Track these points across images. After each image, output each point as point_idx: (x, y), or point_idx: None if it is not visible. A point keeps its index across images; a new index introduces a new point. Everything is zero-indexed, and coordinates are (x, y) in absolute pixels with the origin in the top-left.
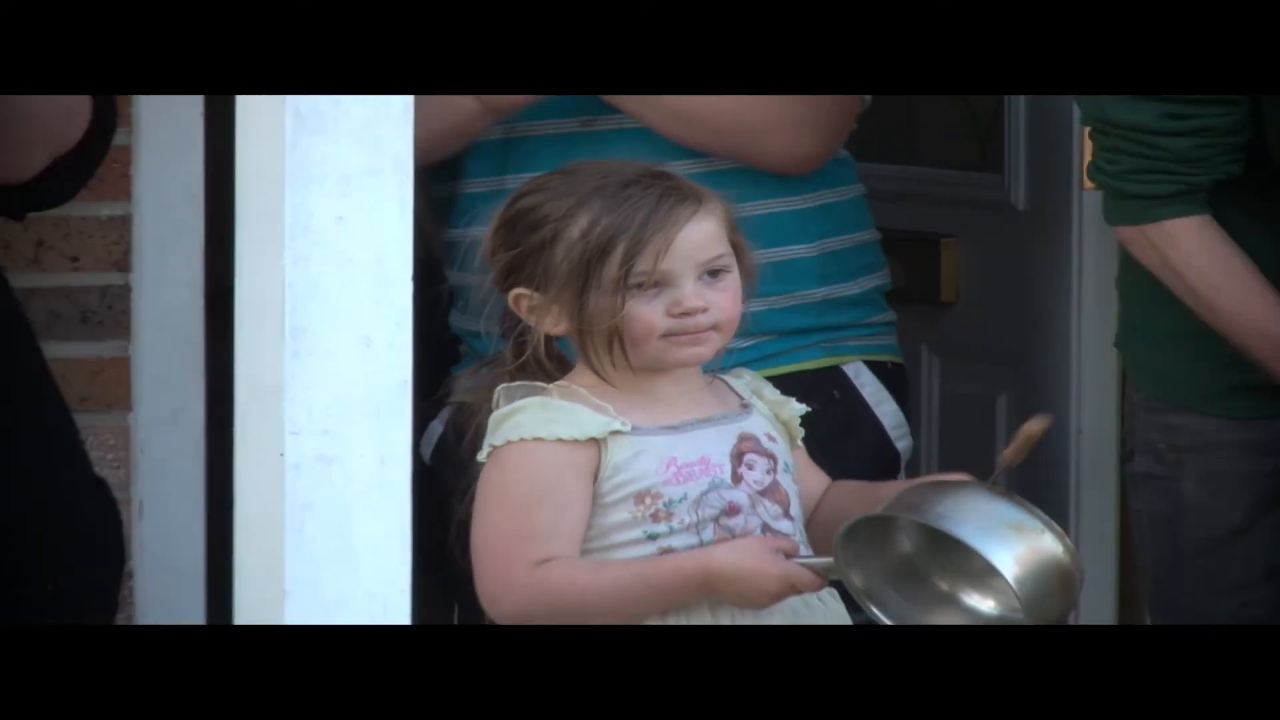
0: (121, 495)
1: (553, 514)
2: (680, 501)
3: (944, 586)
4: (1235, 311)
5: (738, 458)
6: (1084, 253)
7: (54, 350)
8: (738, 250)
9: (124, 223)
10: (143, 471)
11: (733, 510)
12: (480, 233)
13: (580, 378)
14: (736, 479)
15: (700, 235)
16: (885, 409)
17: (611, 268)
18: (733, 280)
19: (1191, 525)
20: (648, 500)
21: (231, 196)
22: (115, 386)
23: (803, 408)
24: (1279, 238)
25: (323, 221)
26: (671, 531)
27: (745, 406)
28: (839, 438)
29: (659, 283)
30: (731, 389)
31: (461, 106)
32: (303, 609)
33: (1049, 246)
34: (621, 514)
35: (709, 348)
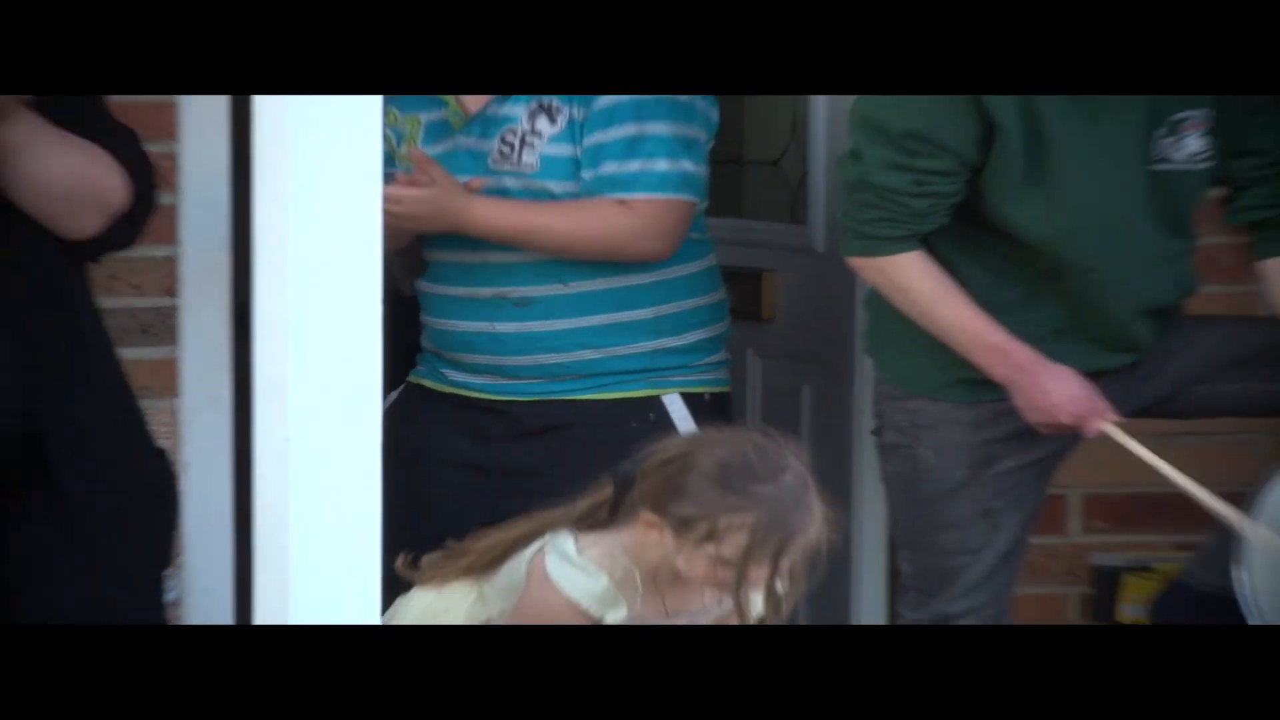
0: (172, 459)
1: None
2: None
3: None
4: (952, 321)
5: None
6: (862, 283)
7: (123, 354)
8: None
9: (172, 262)
10: (186, 441)
11: None
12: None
13: (625, 553)
14: None
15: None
16: (684, 421)
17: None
18: None
19: (926, 481)
20: None
21: (250, 241)
22: (166, 380)
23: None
24: (978, 265)
25: (319, 261)
26: None
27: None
28: (645, 438)
29: None
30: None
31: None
32: (305, 541)
33: (840, 279)
34: None
35: None
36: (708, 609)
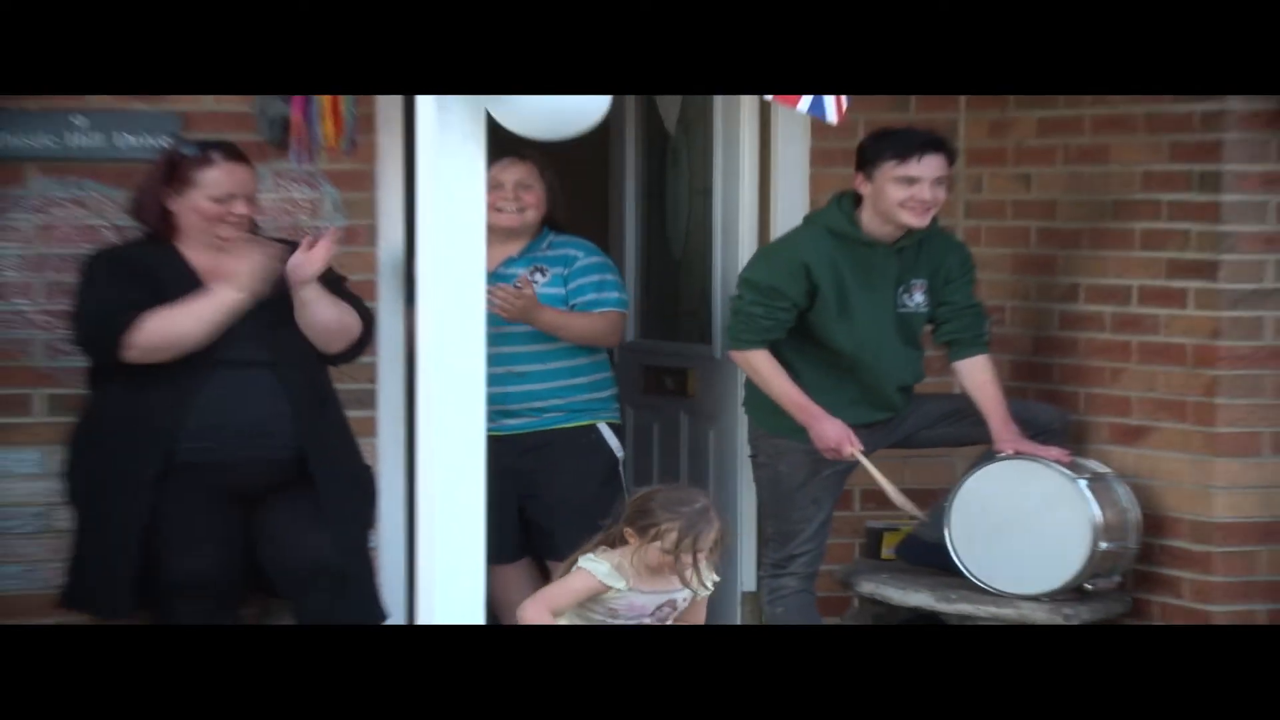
0: (373, 471)
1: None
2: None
3: None
4: (779, 391)
5: (659, 606)
6: (741, 375)
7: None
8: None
9: (373, 365)
10: (380, 462)
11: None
12: None
13: (620, 556)
14: (654, 611)
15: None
16: (613, 441)
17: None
18: None
19: (781, 483)
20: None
21: (414, 354)
22: (369, 428)
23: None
24: (811, 365)
25: (450, 367)
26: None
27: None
28: (592, 454)
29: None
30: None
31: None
32: (445, 518)
33: (729, 373)
34: (600, 609)
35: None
36: (676, 590)
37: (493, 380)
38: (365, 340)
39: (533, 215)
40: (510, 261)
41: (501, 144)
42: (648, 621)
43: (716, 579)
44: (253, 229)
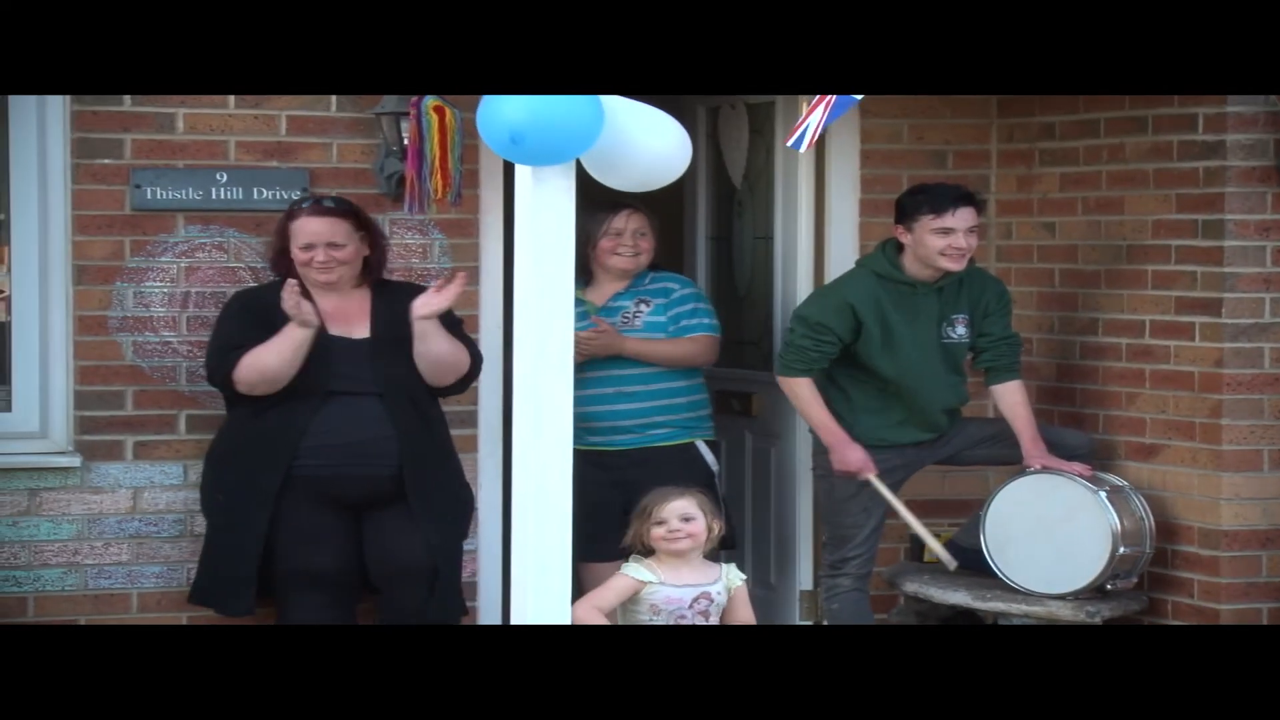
0: (472, 486)
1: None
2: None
3: None
4: (813, 415)
5: (695, 599)
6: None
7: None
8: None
9: (475, 390)
10: (480, 478)
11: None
12: None
13: (651, 560)
14: (691, 604)
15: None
16: (708, 455)
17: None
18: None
19: (836, 493)
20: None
21: (511, 384)
22: (471, 445)
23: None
24: (861, 389)
25: (541, 395)
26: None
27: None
28: (691, 467)
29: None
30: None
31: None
32: (537, 527)
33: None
34: (643, 607)
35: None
36: (707, 583)
37: (604, 400)
38: (472, 376)
39: (645, 259)
40: (618, 296)
41: (615, 194)
42: (689, 614)
43: (744, 576)
44: (369, 272)
